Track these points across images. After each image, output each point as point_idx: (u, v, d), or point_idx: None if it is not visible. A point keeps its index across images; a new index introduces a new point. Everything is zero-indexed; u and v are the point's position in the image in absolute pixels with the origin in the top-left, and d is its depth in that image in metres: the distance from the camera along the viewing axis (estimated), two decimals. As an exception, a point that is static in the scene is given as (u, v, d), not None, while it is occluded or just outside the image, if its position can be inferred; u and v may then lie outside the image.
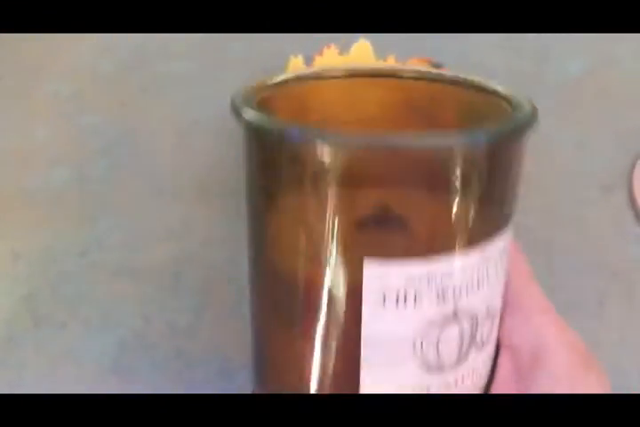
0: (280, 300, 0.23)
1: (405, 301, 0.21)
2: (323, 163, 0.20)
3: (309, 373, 0.23)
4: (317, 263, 0.21)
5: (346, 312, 0.22)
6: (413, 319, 0.22)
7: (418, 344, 0.22)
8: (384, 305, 0.22)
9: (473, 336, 0.23)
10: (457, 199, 0.21)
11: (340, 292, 0.22)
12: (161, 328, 0.36)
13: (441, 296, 0.22)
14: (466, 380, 0.23)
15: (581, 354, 0.24)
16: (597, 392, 0.24)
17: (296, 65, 0.34)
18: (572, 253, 0.39)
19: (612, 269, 0.38)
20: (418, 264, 0.21)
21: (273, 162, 0.21)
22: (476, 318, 0.23)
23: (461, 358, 0.23)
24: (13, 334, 0.35)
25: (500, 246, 0.23)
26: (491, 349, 0.24)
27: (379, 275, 0.21)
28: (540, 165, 0.40)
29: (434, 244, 0.21)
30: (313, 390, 0.23)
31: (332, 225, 0.21)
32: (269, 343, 0.24)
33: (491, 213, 0.22)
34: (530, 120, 0.21)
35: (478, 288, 0.22)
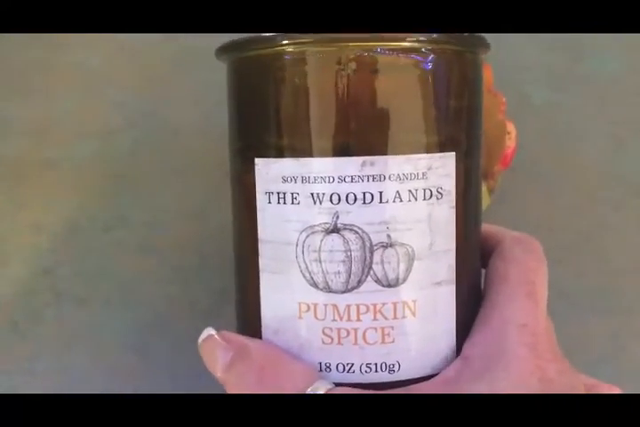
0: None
1: (284, 200, 0.21)
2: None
3: (237, 283, 0.25)
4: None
5: (249, 214, 0.23)
6: (292, 220, 0.21)
7: (300, 251, 0.21)
8: (269, 204, 0.22)
9: (366, 264, 0.21)
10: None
11: (241, 194, 0.23)
12: (183, 308, 0.36)
13: (317, 201, 0.20)
14: (364, 318, 0.21)
15: (544, 380, 0.21)
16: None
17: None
18: (598, 257, 0.37)
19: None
20: (293, 164, 0.21)
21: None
22: (369, 242, 0.21)
23: (350, 284, 0.21)
24: (33, 307, 0.36)
25: (415, 169, 0.21)
26: (406, 297, 0.21)
27: (264, 174, 0.22)
28: (570, 164, 0.37)
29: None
30: (238, 299, 0.25)
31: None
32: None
33: (404, 125, 0.21)
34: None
35: (371, 206, 0.21)
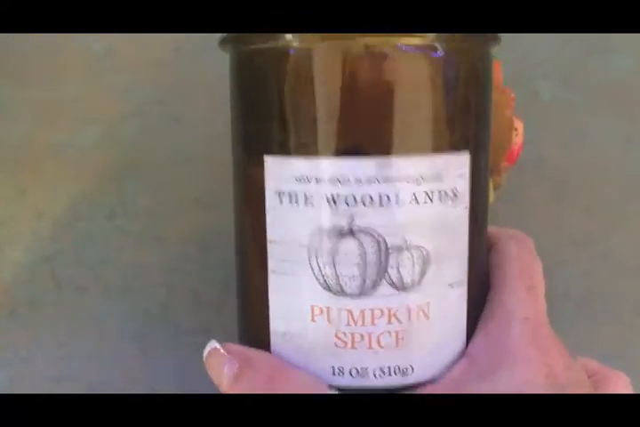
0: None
1: (297, 201, 0.21)
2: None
3: (240, 284, 0.24)
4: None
5: (256, 213, 0.22)
6: (305, 222, 0.21)
7: (313, 253, 0.21)
8: (281, 205, 0.21)
9: (382, 267, 0.20)
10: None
11: (247, 191, 0.23)
12: (184, 297, 0.36)
13: (332, 203, 0.20)
14: (378, 322, 0.21)
15: (551, 376, 0.21)
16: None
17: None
18: (605, 257, 0.36)
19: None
20: (306, 165, 0.20)
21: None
22: (385, 245, 0.20)
23: (365, 288, 0.20)
24: (33, 294, 0.36)
25: (431, 170, 0.20)
26: (420, 300, 0.21)
27: (274, 173, 0.21)
28: (578, 162, 0.37)
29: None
30: (241, 300, 0.24)
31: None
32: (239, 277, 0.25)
33: (420, 123, 0.20)
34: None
35: (387, 208, 0.20)
